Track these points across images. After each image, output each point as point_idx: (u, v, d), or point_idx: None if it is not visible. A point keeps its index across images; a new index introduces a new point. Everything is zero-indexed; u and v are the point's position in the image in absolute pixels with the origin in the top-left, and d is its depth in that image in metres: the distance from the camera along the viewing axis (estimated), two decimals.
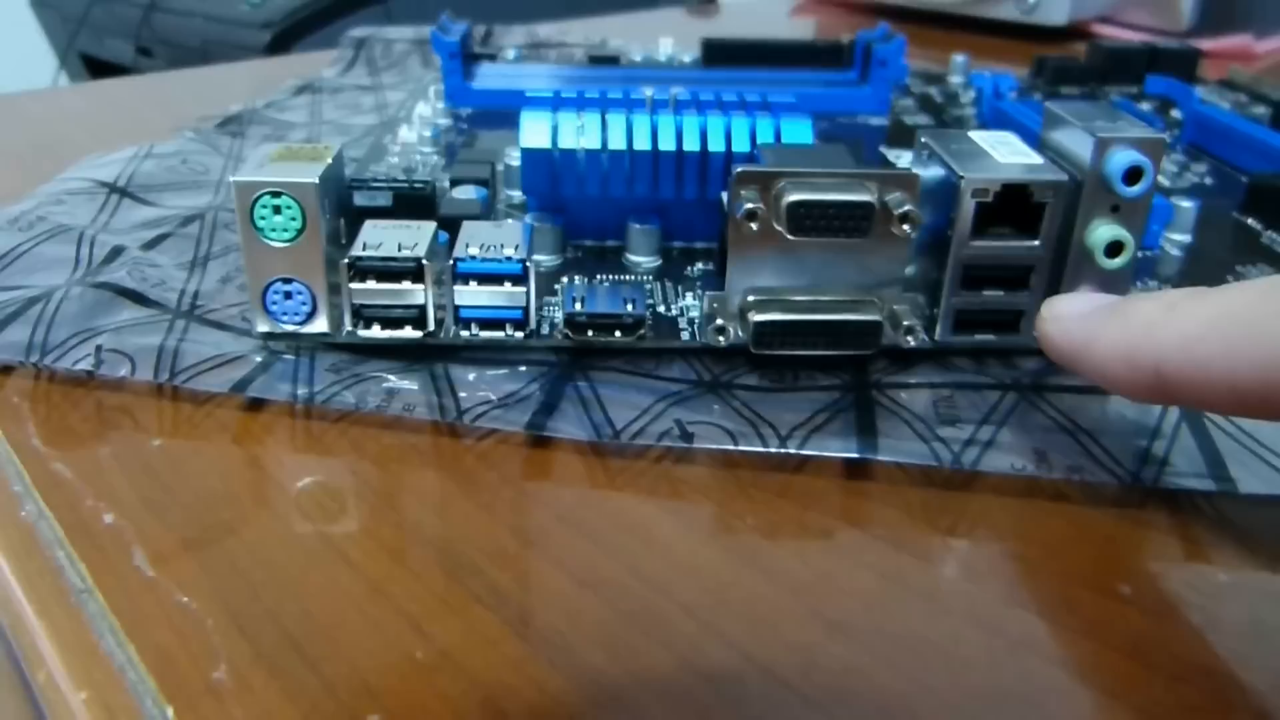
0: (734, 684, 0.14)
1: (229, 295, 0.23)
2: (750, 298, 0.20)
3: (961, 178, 0.19)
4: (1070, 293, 0.18)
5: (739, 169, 0.19)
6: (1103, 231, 0.19)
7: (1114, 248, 0.19)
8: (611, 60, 0.39)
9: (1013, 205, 0.19)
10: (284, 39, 0.84)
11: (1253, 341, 0.13)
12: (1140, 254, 0.20)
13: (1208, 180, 0.29)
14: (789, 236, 0.19)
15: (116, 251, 0.24)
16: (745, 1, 0.71)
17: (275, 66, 0.50)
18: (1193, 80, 0.39)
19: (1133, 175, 0.18)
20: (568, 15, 0.57)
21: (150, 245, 0.25)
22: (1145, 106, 0.37)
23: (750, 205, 0.19)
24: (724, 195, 0.21)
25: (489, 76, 0.36)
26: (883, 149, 0.31)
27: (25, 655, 0.15)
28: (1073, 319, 0.17)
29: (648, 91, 0.24)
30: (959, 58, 0.41)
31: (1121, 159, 0.18)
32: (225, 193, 0.29)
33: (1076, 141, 0.19)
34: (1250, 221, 0.27)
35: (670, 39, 0.40)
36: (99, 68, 1.05)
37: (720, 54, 0.38)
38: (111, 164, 0.30)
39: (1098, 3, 0.56)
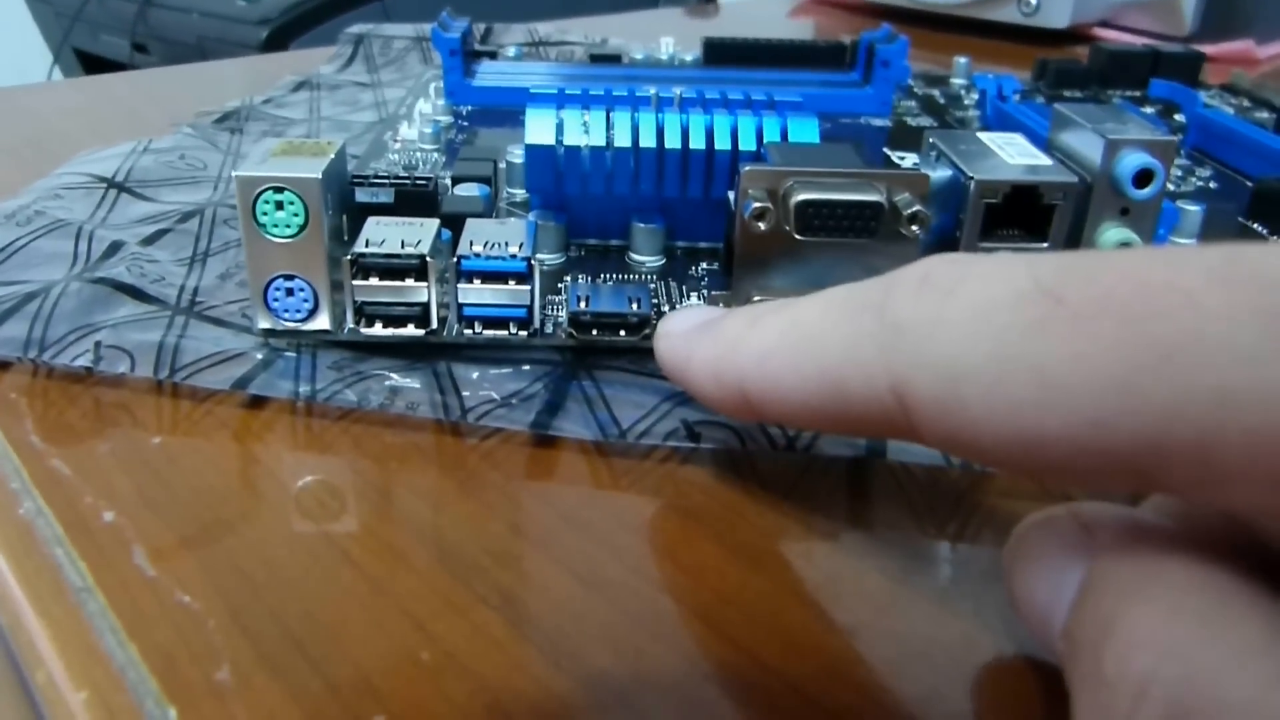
0: (740, 686, 0.13)
1: (229, 292, 0.23)
2: (757, 298, 0.19)
3: (971, 178, 0.19)
4: (684, 308, 0.17)
5: (747, 168, 0.19)
6: (1112, 234, 0.19)
7: None
8: (613, 59, 0.39)
9: (1022, 207, 0.19)
10: (280, 36, 0.83)
11: (813, 353, 0.13)
12: None
13: (1212, 185, 0.29)
14: (796, 236, 0.19)
15: (115, 247, 0.24)
16: (744, 2, 0.71)
17: (272, 63, 0.50)
18: (1195, 85, 0.39)
19: (1143, 178, 0.18)
20: (567, 14, 0.57)
21: (149, 241, 0.25)
22: (1149, 110, 0.37)
23: (758, 204, 0.19)
24: (730, 194, 0.20)
25: (490, 74, 0.36)
26: (886, 150, 0.31)
27: (24, 655, 0.14)
28: (676, 335, 0.16)
29: (652, 90, 0.24)
30: (961, 59, 0.40)
31: (1132, 161, 0.18)
32: (224, 188, 0.29)
33: (1086, 143, 0.19)
34: (1256, 226, 0.26)
35: (671, 38, 0.40)
36: (94, 64, 1.05)
37: (722, 54, 0.38)
38: (109, 159, 0.30)
39: (1099, 6, 0.56)
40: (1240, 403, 0.09)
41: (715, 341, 0.15)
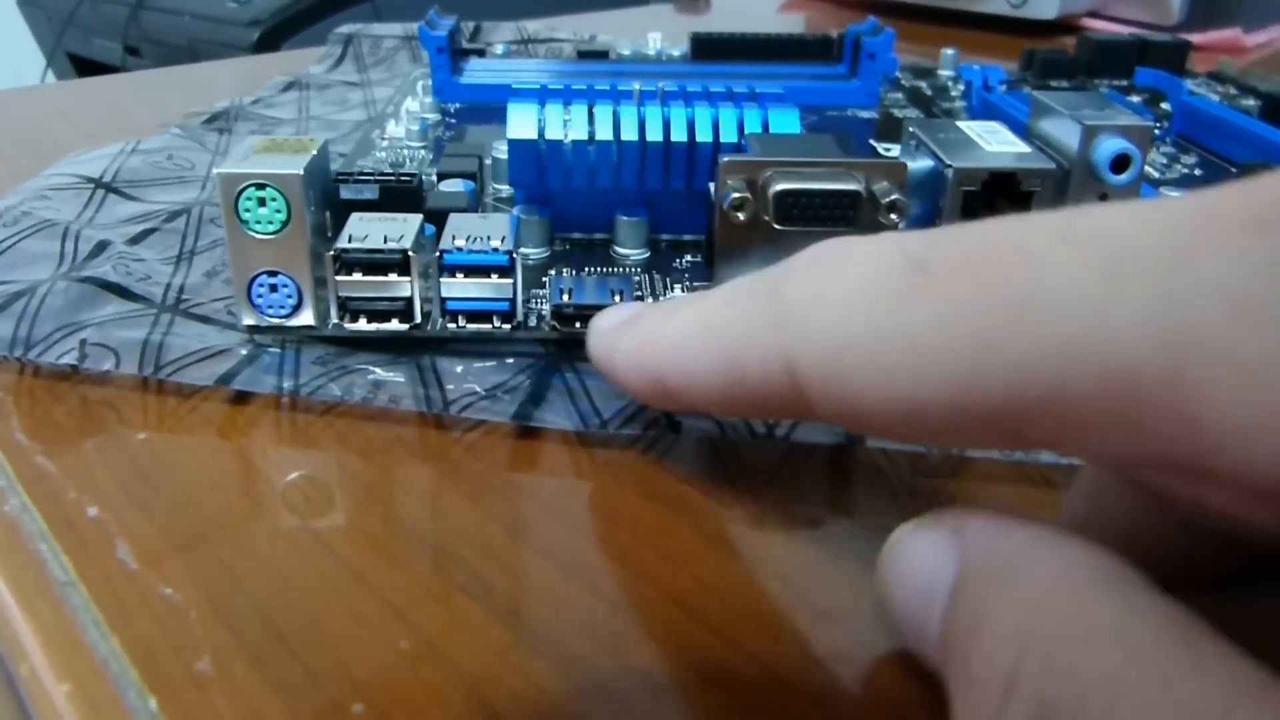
0: (721, 673, 0.13)
1: (214, 289, 0.23)
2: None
3: (949, 166, 0.19)
4: (614, 307, 0.18)
5: (725, 158, 0.19)
6: None
7: None
8: (600, 55, 0.39)
9: (1000, 194, 0.19)
10: (271, 37, 0.83)
11: (716, 339, 0.13)
12: None
13: (1197, 172, 0.29)
14: (776, 226, 0.19)
15: (101, 246, 0.24)
16: None
17: (262, 63, 0.50)
18: (1182, 73, 0.39)
19: (1120, 163, 0.19)
20: (556, 11, 0.57)
21: (135, 240, 0.25)
22: (1135, 99, 0.37)
23: (737, 195, 0.19)
24: (712, 186, 0.20)
25: (477, 71, 0.36)
26: (872, 142, 0.31)
27: (8, 648, 0.14)
28: (603, 332, 0.17)
29: (636, 84, 0.24)
30: (948, 51, 0.41)
31: (1109, 147, 0.18)
32: (211, 188, 0.29)
33: (1064, 130, 0.19)
34: None
35: (659, 34, 0.40)
36: (86, 67, 1.05)
37: (709, 49, 0.38)
38: (97, 160, 0.30)
39: None
40: (1084, 349, 0.09)
41: (635, 335, 0.16)
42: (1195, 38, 0.45)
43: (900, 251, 0.11)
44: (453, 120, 0.33)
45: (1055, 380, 0.09)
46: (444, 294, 0.20)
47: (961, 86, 0.38)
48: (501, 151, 0.27)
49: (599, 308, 0.20)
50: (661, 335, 0.15)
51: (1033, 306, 0.10)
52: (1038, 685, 0.09)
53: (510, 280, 0.19)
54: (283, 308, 0.20)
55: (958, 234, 0.11)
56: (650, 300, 0.17)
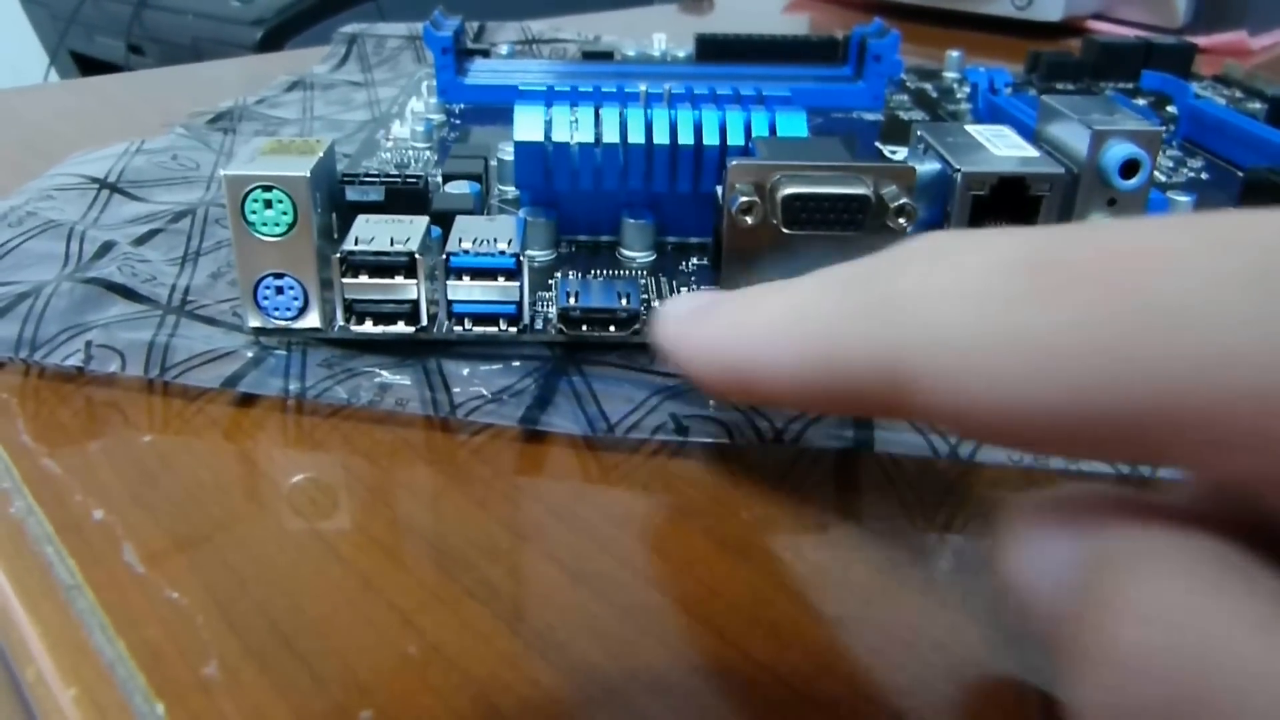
0: (728, 678, 0.13)
1: (220, 291, 0.23)
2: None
3: (958, 171, 0.19)
4: (682, 294, 0.17)
5: (734, 162, 0.19)
6: None
7: None
8: (605, 56, 0.39)
9: (1009, 199, 0.19)
10: (275, 36, 0.83)
11: (808, 331, 0.13)
12: None
13: (1204, 175, 0.29)
14: (784, 230, 0.19)
15: (107, 247, 0.24)
16: None
17: (266, 63, 0.50)
18: (1188, 76, 0.39)
19: (1129, 168, 0.18)
20: (560, 11, 0.57)
21: (141, 241, 0.25)
22: (1141, 102, 0.37)
23: (745, 198, 0.19)
24: (719, 189, 0.20)
25: (482, 72, 0.36)
26: (878, 144, 0.31)
27: (14, 652, 0.14)
28: (673, 320, 0.16)
29: (642, 86, 0.24)
30: (953, 53, 0.40)
31: (1118, 151, 0.18)
32: (216, 188, 0.29)
33: (1073, 134, 0.19)
34: None
35: (664, 35, 0.40)
36: (90, 65, 1.05)
37: (714, 50, 0.38)
38: (101, 160, 0.30)
39: None
40: (1242, 366, 0.09)
41: (712, 324, 0.15)
42: (1200, 40, 0.45)
43: (1021, 246, 0.11)
44: (457, 121, 0.33)
45: (1204, 396, 0.09)
46: (450, 297, 0.20)
47: (967, 89, 0.38)
48: (507, 153, 0.27)
49: (606, 311, 0.20)
50: (743, 324, 0.14)
51: (1174, 314, 0.09)
52: (1179, 665, 0.09)
53: (517, 283, 0.19)
54: (289, 310, 0.20)
55: (1084, 233, 0.10)
56: (708, 291, 0.17)
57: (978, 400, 0.11)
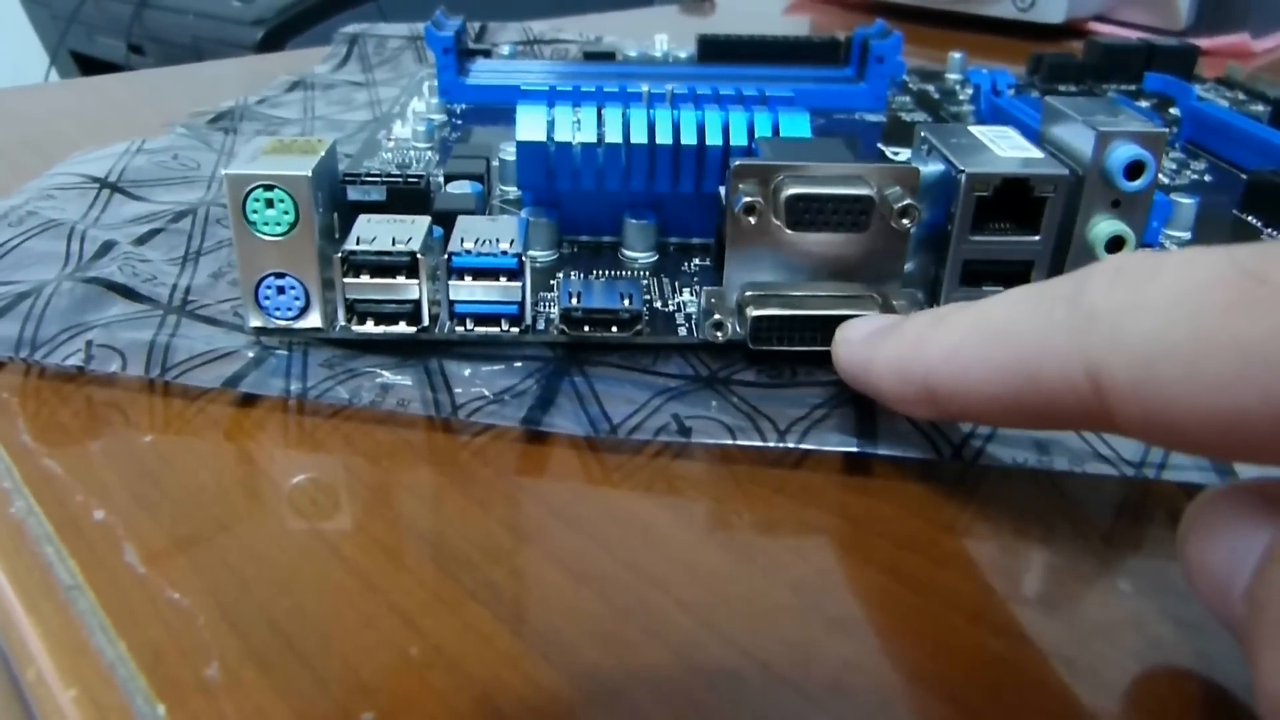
0: (731, 680, 0.13)
1: (221, 290, 0.23)
2: (748, 293, 0.20)
3: (961, 172, 0.19)
4: (860, 318, 0.18)
5: (737, 162, 0.19)
6: (1103, 227, 0.19)
7: (1115, 243, 0.19)
8: (607, 56, 0.39)
9: (1013, 200, 0.19)
10: (276, 36, 0.83)
11: (1003, 345, 0.13)
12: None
13: (1207, 178, 0.29)
14: (787, 231, 0.19)
15: (107, 247, 0.24)
16: None
17: (267, 63, 0.50)
18: (1190, 78, 0.39)
19: (1134, 169, 0.18)
20: (562, 12, 0.57)
21: (141, 240, 0.25)
22: (1143, 104, 0.37)
23: (748, 199, 0.19)
24: (722, 189, 0.20)
25: (483, 72, 0.36)
26: (880, 145, 0.31)
27: (14, 653, 0.14)
28: (856, 341, 0.17)
29: (644, 86, 0.24)
30: (956, 55, 0.40)
31: (1123, 153, 0.18)
32: (217, 188, 0.29)
33: (1077, 136, 0.19)
34: (1250, 219, 0.26)
35: (665, 36, 0.40)
36: (90, 65, 1.05)
37: (716, 50, 0.38)
38: (102, 159, 0.30)
39: (1094, 1, 0.56)
40: None
41: (899, 341, 0.15)
42: (1203, 42, 0.45)
43: (1229, 260, 0.11)
44: (459, 121, 0.33)
45: None
46: (452, 297, 0.19)
47: (969, 90, 0.38)
48: (508, 153, 0.27)
49: (608, 312, 0.20)
50: (932, 341, 0.15)
51: None
52: None
53: (519, 283, 0.19)
54: (290, 310, 0.20)
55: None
56: (885, 315, 0.18)
57: (1177, 409, 0.11)
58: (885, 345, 0.16)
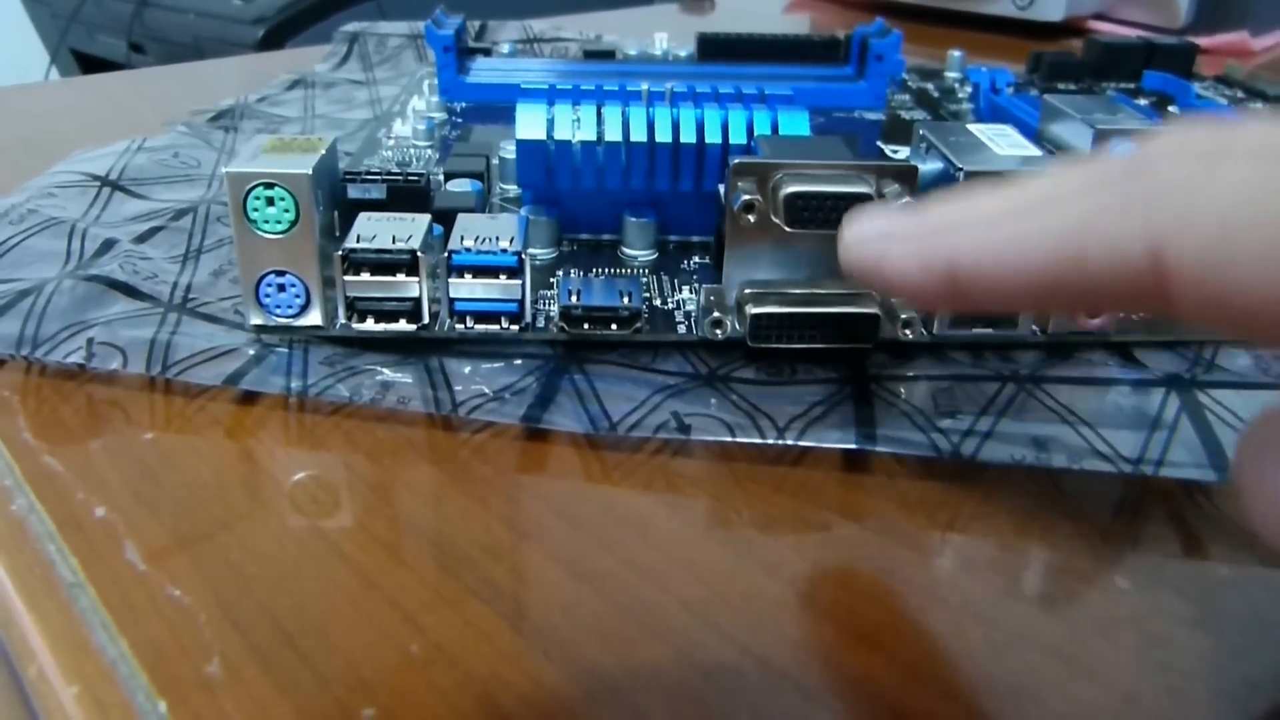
0: (730, 677, 0.13)
1: (221, 288, 0.23)
2: (747, 291, 0.20)
3: (960, 169, 0.19)
4: (873, 209, 0.16)
5: (737, 160, 0.19)
6: None
7: None
8: (607, 55, 0.39)
9: None
10: (276, 35, 0.83)
11: (1047, 221, 0.13)
12: None
13: None
14: (786, 229, 0.19)
15: (108, 245, 0.24)
16: None
17: (268, 61, 0.50)
18: (1189, 77, 0.39)
19: None
20: (562, 11, 0.57)
21: (142, 239, 0.25)
22: (1143, 102, 0.37)
23: (748, 197, 0.19)
24: (721, 188, 0.20)
25: (484, 71, 0.36)
26: (879, 144, 0.31)
27: (15, 650, 0.14)
28: (868, 227, 0.16)
29: (644, 85, 0.24)
30: (955, 53, 0.40)
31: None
32: (218, 186, 0.29)
33: (1075, 133, 0.19)
34: None
35: (665, 34, 0.40)
36: (91, 64, 1.05)
37: (716, 49, 0.38)
38: (103, 158, 0.30)
39: None
40: None
41: (920, 225, 0.14)
42: (1202, 40, 0.45)
43: None
44: (459, 119, 0.33)
45: None
46: (452, 295, 0.20)
47: (968, 88, 0.38)
48: (508, 151, 0.27)
49: (608, 309, 0.20)
50: (960, 222, 0.14)
51: None
52: None
53: (519, 281, 0.19)
54: (290, 307, 0.20)
55: None
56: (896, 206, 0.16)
57: (1249, 286, 0.11)
58: (904, 230, 0.15)
